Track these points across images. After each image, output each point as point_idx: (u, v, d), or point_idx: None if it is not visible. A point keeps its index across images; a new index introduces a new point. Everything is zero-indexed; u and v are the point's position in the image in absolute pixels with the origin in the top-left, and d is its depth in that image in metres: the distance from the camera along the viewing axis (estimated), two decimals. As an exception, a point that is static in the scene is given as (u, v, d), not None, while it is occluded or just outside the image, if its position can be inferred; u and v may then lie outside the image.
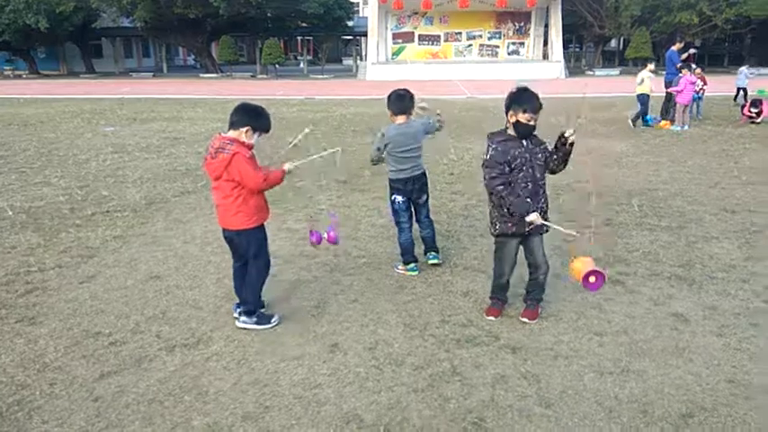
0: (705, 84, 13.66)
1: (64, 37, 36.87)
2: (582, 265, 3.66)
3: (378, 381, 3.21)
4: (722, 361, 3.38)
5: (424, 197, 4.68)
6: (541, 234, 3.81)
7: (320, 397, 3.07)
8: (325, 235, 4.11)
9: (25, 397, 3.06)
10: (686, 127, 12.26)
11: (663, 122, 12.88)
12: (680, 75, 12.85)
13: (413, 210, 4.71)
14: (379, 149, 4.47)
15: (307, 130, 4.02)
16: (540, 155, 3.67)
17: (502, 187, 3.57)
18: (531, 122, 3.57)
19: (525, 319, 3.87)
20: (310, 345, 3.60)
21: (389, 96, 4.52)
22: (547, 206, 3.78)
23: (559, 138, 3.60)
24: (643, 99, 12.62)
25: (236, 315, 3.91)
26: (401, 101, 4.45)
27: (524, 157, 3.60)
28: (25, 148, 10.51)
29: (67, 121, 14.38)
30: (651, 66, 13.08)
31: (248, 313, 3.79)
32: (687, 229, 5.77)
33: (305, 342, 3.63)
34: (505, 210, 3.65)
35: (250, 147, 3.57)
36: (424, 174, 4.63)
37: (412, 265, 4.67)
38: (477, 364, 3.36)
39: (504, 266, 3.85)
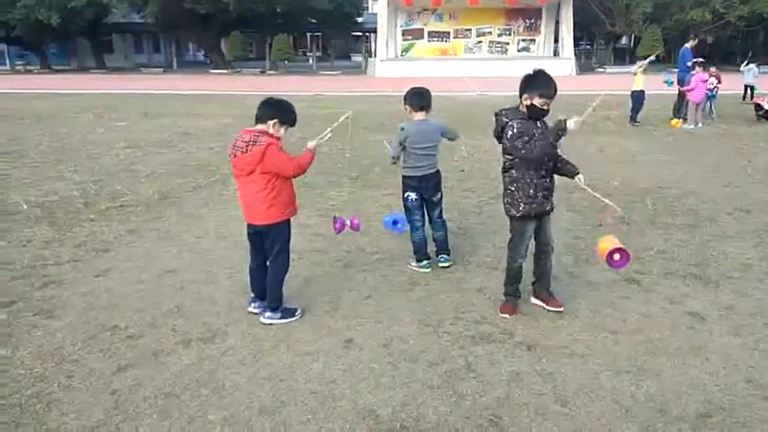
0: (720, 82, 13.56)
1: (75, 32, 37.12)
2: (607, 244, 3.69)
3: (393, 377, 3.21)
4: (739, 361, 3.35)
5: (439, 195, 4.67)
6: (548, 216, 3.90)
7: (336, 392, 3.07)
8: (348, 222, 4.27)
9: (44, 389, 3.08)
10: (699, 125, 12.16)
11: (675, 121, 12.79)
12: (692, 72, 12.77)
13: (425, 209, 4.68)
14: (400, 144, 4.44)
15: (349, 113, 4.13)
16: (552, 139, 3.67)
17: (525, 150, 3.55)
18: (545, 107, 3.60)
19: (557, 309, 3.93)
20: (324, 340, 3.61)
21: (407, 94, 4.51)
22: (553, 186, 3.87)
23: (574, 171, 3.75)
24: (637, 96, 12.57)
25: (251, 310, 3.93)
26: (420, 97, 4.46)
27: (542, 137, 3.60)
28: (38, 143, 10.58)
29: (79, 115, 14.46)
30: (640, 62, 13.07)
31: (273, 309, 3.81)
32: (701, 227, 5.73)
33: (319, 338, 3.64)
34: (531, 190, 3.68)
35: (279, 138, 3.61)
36: (437, 172, 4.63)
37: (425, 262, 4.66)
38: (493, 362, 3.36)
39: (521, 249, 3.89)
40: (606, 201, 3.84)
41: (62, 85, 24.20)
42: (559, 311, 3.93)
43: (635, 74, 12.55)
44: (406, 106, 4.52)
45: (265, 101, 3.66)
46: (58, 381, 3.16)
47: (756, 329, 3.71)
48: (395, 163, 4.65)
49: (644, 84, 12.41)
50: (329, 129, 3.93)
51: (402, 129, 4.44)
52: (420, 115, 4.46)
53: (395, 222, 4.65)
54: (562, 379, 3.18)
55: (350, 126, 4.05)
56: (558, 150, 3.78)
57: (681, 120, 12.69)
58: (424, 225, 4.68)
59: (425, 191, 4.58)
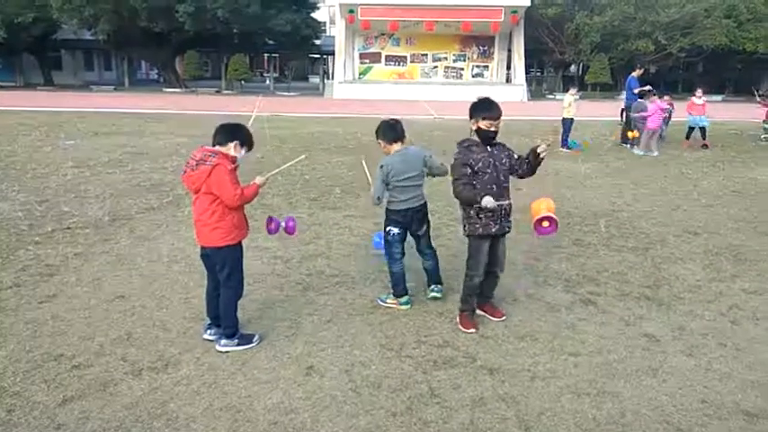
0: (673, 109, 14.21)
1: (21, 48, 35.88)
2: (542, 206, 3.77)
3: (355, 404, 3.14)
4: (694, 381, 3.43)
5: (424, 228, 4.40)
6: (504, 236, 4.07)
7: (296, 422, 2.97)
8: (283, 223, 4.03)
9: (-20, 425, 2.87)
10: (655, 153, 12.31)
11: (631, 133, 13.07)
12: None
13: (414, 241, 4.44)
14: (383, 182, 4.16)
15: (302, 157, 4.10)
16: (504, 160, 3.93)
17: (462, 186, 3.80)
18: (492, 128, 3.84)
19: (501, 318, 4.17)
20: (284, 367, 3.50)
21: (378, 129, 4.28)
22: (510, 208, 4.01)
23: (533, 150, 3.87)
24: (566, 124, 13.04)
25: (206, 337, 3.80)
26: (392, 129, 4.22)
27: (488, 161, 3.84)
28: (-21, 161, 10.08)
29: (25, 133, 13.88)
30: (573, 90, 13.60)
31: (229, 336, 3.68)
32: (653, 250, 5.90)
33: (279, 365, 3.53)
34: (472, 212, 3.87)
35: (233, 160, 3.54)
36: (425, 204, 4.36)
37: (405, 297, 4.38)
38: (456, 386, 3.33)
39: (477, 266, 4.01)
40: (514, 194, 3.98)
41: (7, 103, 23.24)
42: (502, 320, 4.16)
43: (568, 105, 13.03)
44: (380, 142, 4.28)
45: (223, 126, 3.62)
46: (-4, 416, 2.95)
47: (709, 350, 3.81)
48: (379, 203, 4.32)
49: (573, 112, 12.99)
50: (282, 167, 3.92)
51: (382, 166, 4.15)
52: (396, 146, 4.22)
53: None
54: (525, 403, 3.18)
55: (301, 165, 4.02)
56: (515, 155, 3.98)
57: (635, 132, 12.95)
58: (403, 256, 4.39)
59: (410, 225, 4.30)
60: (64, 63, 43.63)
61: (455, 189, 3.85)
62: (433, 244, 4.57)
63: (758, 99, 15.31)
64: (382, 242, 4.43)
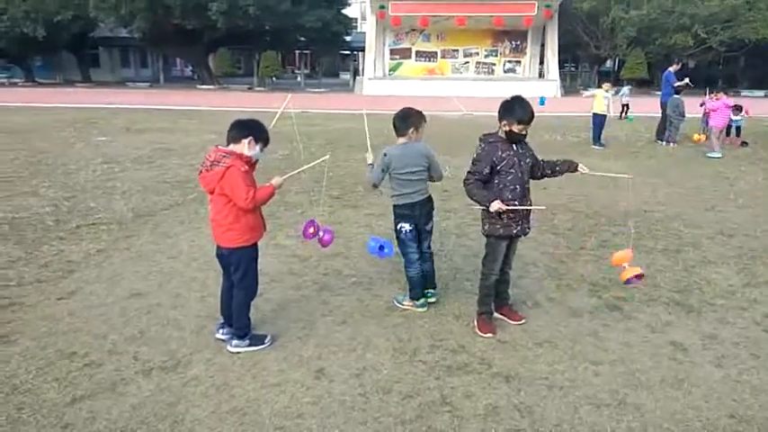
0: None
1: (60, 46, 36.91)
2: (627, 262, 3.77)
3: (364, 410, 3.06)
4: (723, 394, 3.24)
5: (431, 224, 4.34)
6: (521, 238, 4.01)
7: (302, 428, 2.90)
8: (321, 233, 4.02)
9: (-10, 423, 2.89)
10: (719, 155, 11.51)
11: (697, 136, 12.73)
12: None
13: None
14: (383, 171, 4.12)
15: (325, 158, 4.06)
16: (528, 159, 3.83)
17: (472, 185, 3.74)
18: (524, 132, 3.72)
19: (519, 322, 4.06)
20: (294, 370, 3.44)
21: (393, 120, 4.20)
22: (523, 213, 3.92)
23: (573, 164, 3.85)
24: (596, 120, 12.68)
25: (219, 336, 3.77)
26: (400, 120, 4.16)
27: (513, 159, 3.73)
28: (14, 157, 10.33)
29: (59, 130, 14.22)
30: (606, 85, 13.20)
31: (241, 336, 3.65)
32: (684, 252, 5.67)
33: (289, 367, 3.47)
34: (493, 212, 3.76)
35: (248, 161, 3.47)
36: (429, 199, 4.30)
37: (422, 300, 4.30)
38: (469, 394, 3.22)
39: (494, 265, 3.93)
40: (534, 208, 3.86)
41: (45, 99, 23.91)
42: (521, 324, 4.06)
43: (601, 98, 12.69)
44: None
45: (236, 121, 3.54)
46: (6, 413, 2.96)
47: (740, 360, 3.61)
48: (376, 188, 4.33)
49: (605, 107, 12.62)
50: (302, 167, 3.85)
51: (385, 155, 4.11)
52: (402, 139, 4.14)
53: (381, 248, 4.32)
54: (540, 413, 3.05)
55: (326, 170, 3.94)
56: (538, 157, 3.93)
57: (703, 136, 12.58)
58: (420, 258, 4.29)
59: (420, 219, 4.23)
60: (101, 60, 44.79)
61: (465, 183, 3.79)
62: (432, 246, 4.49)
63: None
64: (377, 246, 4.32)
